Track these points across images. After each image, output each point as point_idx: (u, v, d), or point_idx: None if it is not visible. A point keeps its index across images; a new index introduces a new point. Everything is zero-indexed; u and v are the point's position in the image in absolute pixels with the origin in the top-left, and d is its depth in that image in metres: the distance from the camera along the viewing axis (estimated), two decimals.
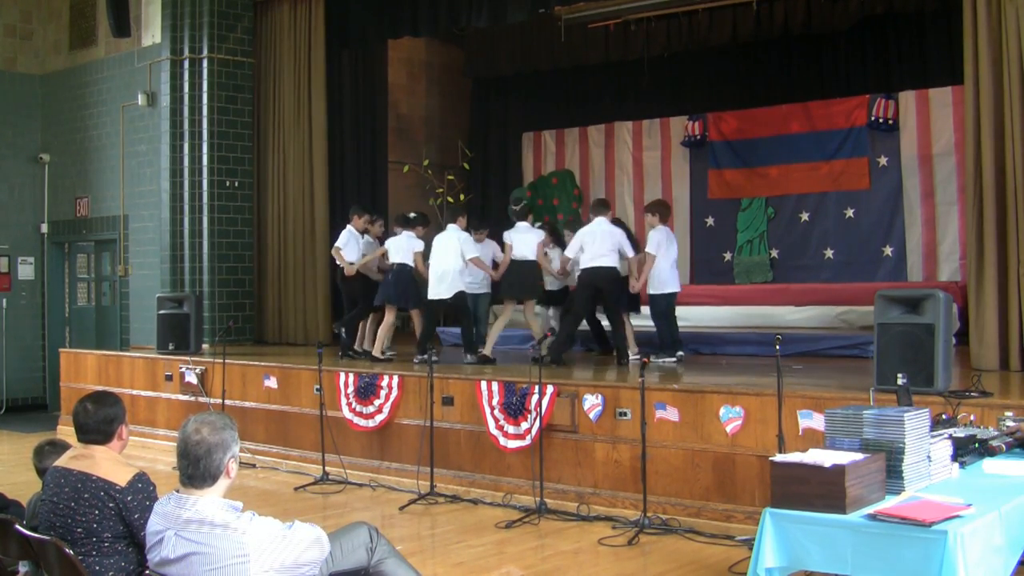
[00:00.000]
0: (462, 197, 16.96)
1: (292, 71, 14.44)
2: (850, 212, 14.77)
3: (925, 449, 4.59)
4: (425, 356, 9.78)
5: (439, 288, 11.07)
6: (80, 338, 16.25)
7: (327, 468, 10.11)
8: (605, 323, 11.64)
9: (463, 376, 9.64)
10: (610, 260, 10.59)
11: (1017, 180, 8.92)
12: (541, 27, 16.66)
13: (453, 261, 11.03)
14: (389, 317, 11.59)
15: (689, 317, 13.43)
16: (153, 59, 14.61)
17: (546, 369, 8.88)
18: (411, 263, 11.45)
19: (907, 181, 14.33)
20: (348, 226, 12.14)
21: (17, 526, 4.63)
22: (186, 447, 3.94)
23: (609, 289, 10.66)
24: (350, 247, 12.00)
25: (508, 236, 11.37)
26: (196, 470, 3.92)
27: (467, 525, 8.31)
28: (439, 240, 11.27)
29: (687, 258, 16.11)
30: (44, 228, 16.71)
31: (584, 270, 10.69)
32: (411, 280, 11.50)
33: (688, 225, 16.23)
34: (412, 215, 12.10)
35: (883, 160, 14.53)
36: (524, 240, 11.28)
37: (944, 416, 5.75)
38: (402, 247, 11.53)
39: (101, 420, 4.65)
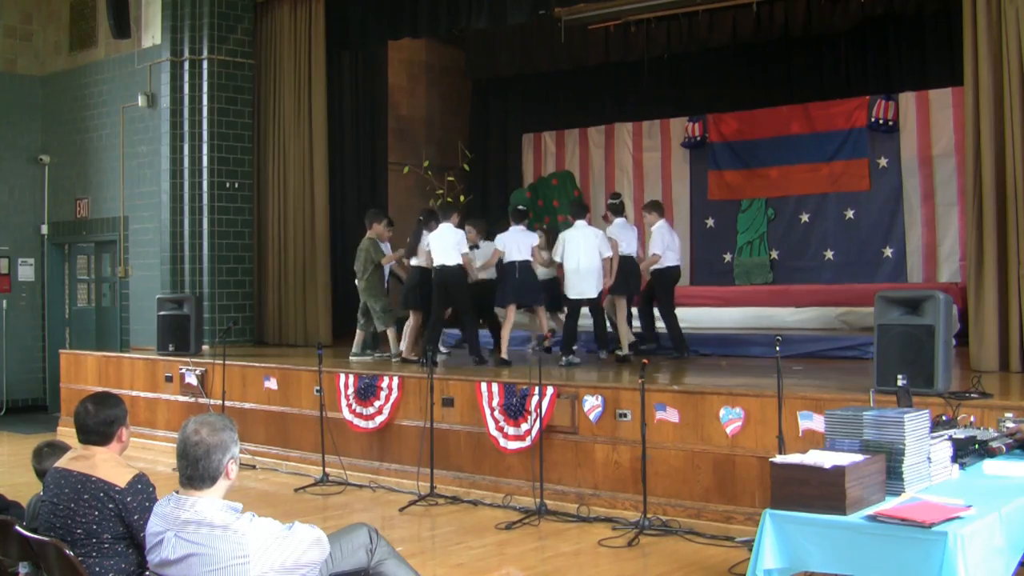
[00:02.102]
0: (462, 198, 16.94)
1: (292, 72, 14.43)
2: (850, 213, 14.77)
3: (925, 450, 4.59)
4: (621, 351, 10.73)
5: (583, 286, 10.87)
6: (80, 339, 16.25)
7: (327, 469, 10.11)
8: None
9: (463, 377, 9.64)
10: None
11: (1017, 181, 8.92)
12: (541, 28, 16.66)
13: (595, 258, 10.86)
14: (512, 317, 11.34)
15: (689, 318, 13.40)
16: (153, 60, 14.61)
17: (546, 370, 8.88)
18: (530, 258, 11.18)
19: (907, 182, 14.34)
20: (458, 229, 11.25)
21: (17, 527, 4.63)
22: (185, 448, 3.94)
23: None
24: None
25: (614, 232, 11.37)
26: (195, 471, 3.92)
27: (467, 526, 8.31)
28: (572, 237, 10.95)
29: (688, 259, 16.11)
30: (44, 229, 16.70)
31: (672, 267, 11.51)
32: (534, 276, 11.27)
33: (688, 226, 16.24)
34: (522, 208, 11.96)
35: (883, 161, 14.54)
36: (628, 237, 11.43)
37: (944, 417, 5.75)
38: (520, 243, 11.19)
39: (100, 421, 4.64)
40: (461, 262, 10.93)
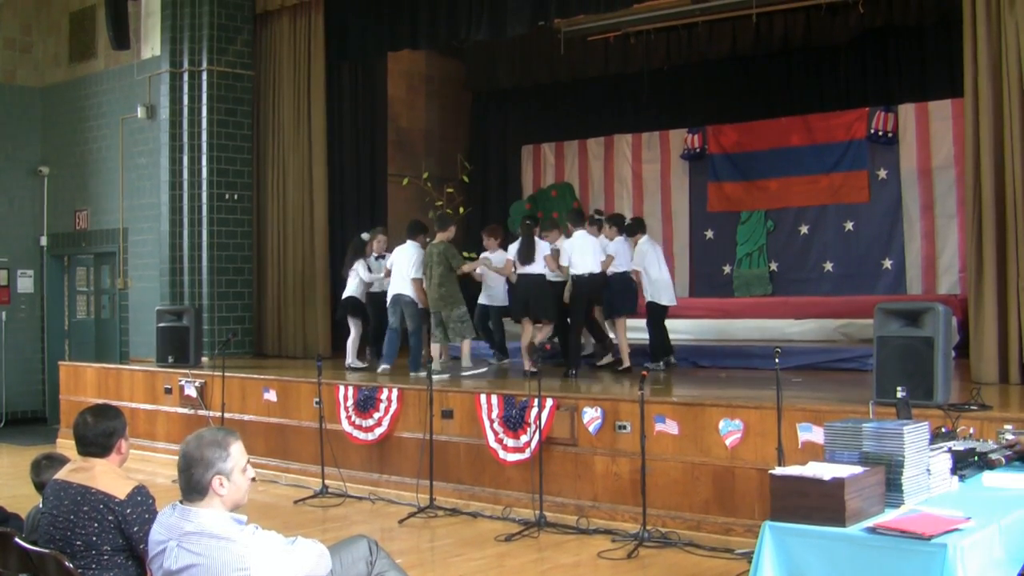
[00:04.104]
0: (461, 210, 16.96)
1: (292, 84, 14.45)
2: (849, 225, 14.77)
3: (924, 462, 4.58)
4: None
5: (672, 295, 11.67)
6: (79, 351, 16.24)
7: (327, 481, 10.10)
8: None
9: (462, 389, 9.64)
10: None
11: (1016, 193, 8.93)
12: (541, 40, 16.69)
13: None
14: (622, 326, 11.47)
15: (689, 330, 13.43)
16: (153, 72, 14.64)
17: (547, 382, 8.87)
18: (630, 269, 11.46)
19: (906, 194, 14.33)
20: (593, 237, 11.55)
21: (17, 539, 4.62)
22: (179, 460, 4.01)
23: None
24: None
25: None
26: (185, 483, 3.98)
27: (467, 538, 8.30)
28: (652, 249, 11.58)
29: (687, 271, 16.14)
30: (43, 241, 16.71)
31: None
32: (635, 286, 11.52)
33: (687, 238, 16.25)
34: (629, 221, 12.04)
35: (882, 173, 14.54)
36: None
37: (944, 429, 5.74)
38: (626, 254, 11.49)
39: (100, 433, 4.65)
40: (602, 270, 11.09)
